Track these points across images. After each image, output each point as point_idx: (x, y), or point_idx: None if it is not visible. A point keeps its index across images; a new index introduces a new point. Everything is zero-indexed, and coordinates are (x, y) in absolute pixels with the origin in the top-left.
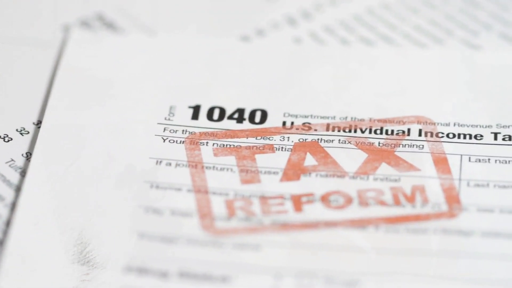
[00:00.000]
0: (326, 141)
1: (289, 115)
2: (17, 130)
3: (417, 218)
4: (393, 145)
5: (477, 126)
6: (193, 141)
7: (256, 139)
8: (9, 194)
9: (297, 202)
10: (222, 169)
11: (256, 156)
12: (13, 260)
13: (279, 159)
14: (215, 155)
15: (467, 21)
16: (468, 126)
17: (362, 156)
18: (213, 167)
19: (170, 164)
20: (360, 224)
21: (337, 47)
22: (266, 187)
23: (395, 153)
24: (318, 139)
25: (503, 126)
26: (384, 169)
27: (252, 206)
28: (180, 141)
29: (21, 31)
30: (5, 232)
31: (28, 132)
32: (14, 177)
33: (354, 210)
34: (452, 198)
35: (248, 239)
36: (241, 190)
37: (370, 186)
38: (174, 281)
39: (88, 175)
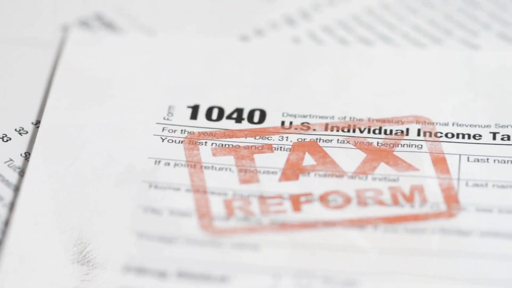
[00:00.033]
0: (325, 141)
1: (288, 115)
2: (16, 130)
3: (416, 218)
4: (391, 145)
5: (476, 126)
6: (192, 141)
7: (254, 139)
8: (8, 194)
9: (296, 202)
10: (220, 169)
11: (255, 156)
12: (12, 260)
13: (278, 159)
14: (214, 155)
15: (466, 21)
16: (467, 126)
17: (360, 156)
18: (212, 167)
19: (168, 164)
20: (359, 224)
21: (336, 47)
22: (264, 187)
23: (394, 153)
24: (316, 139)
25: (502, 126)
26: (383, 169)
27: (250, 206)
28: (179, 141)
29: (20, 31)
30: (4, 232)
31: (27, 132)
32: (13, 177)
33: (353, 210)
34: (451, 198)
35: (247, 239)
36: (239, 190)
37: (368, 186)
38: (173, 281)
39: (87, 174)
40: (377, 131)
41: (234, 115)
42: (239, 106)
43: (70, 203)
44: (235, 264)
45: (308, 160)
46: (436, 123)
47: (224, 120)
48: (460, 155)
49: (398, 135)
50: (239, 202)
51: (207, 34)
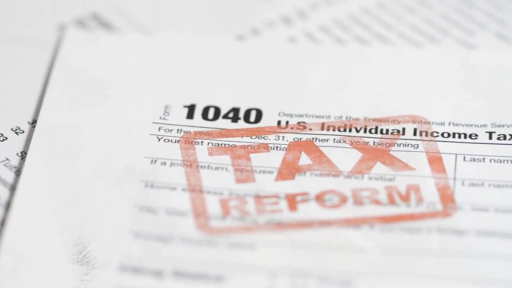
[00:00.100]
0: (321, 140)
1: (284, 114)
2: (12, 129)
3: (412, 217)
4: (388, 145)
5: (472, 125)
6: (188, 140)
7: (251, 138)
8: (4, 194)
9: (292, 201)
10: (217, 168)
11: (251, 155)
12: (9, 260)
13: (274, 159)
14: (210, 154)
15: (463, 20)
16: (463, 126)
17: (357, 155)
18: (208, 166)
19: (165, 164)
20: (355, 223)
21: (332, 47)
22: (261, 186)
23: (390, 152)
24: (313, 138)
25: (498, 126)
26: (379, 168)
27: (246, 205)
28: (175, 140)
29: (16, 30)
30: (0, 232)
31: (23, 132)
32: (9, 177)
33: (349, 209)
34: (447, 197)
35: (243, 238)
36: (236, 190)
37: (365, 186)
38: (169, 280)
39: (83, 174)
40: (373, 131)
41: (230, 115)
42: (235, 105)
43: (66, 203)
44: (231, 263)
45: (304, 159)
46: (432, 123)
47: (220, 119)
48: (456, 154)
49: (394, 135)
50: (235, 201)
51: (204, 34)
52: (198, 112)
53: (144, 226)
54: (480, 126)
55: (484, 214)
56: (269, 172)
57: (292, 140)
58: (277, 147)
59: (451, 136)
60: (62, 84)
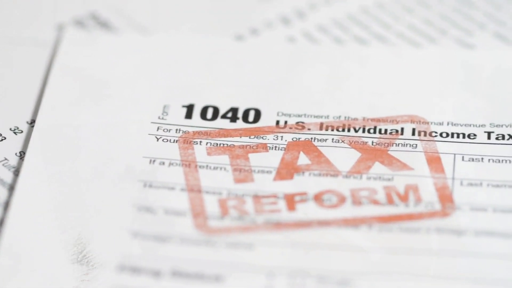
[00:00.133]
0: (320, 140)
1: (283, 114)
2: (10, 129)
3: (410, 217)
4: (386, 144)
5: (470, 125)
6: (187, 140)
7: (249, 138)
8: (2, 194)
9: (290, 201)
10: (215, 168)
11: (250, 155)
12: (8, 260)
13: (273, 158)
14: (209, 154)
15: (461, 20)
16: (461, 126)
17: (355, 155)
18: (207, 166)
19: (163, 163)
20: (353, 223)
21: (331, 47)
22: (259, 186)
23: (389, 152)
24: (311, 138)
25: (497, 125)
26: (378, 168)
27: (245, 205)
28: (174, 140)
29: (15, 30)
30: None
31: (22, 131)
32: (8, 176)
33: (347, 209)
34: (445, 197)
35: (241, 238)
36: (234, 189)
37: (363, 185)
38: (167, 280)
39: (81, 174)
40: (372, 131)
41: (229, 115)
42: (234, 105)
43: (65, 203)
44: (229, 263)
45: (303, 159)
46: (431, 123)
47: (219, 119)
48: (454, 154)
49: (393, 135)
50: (233, 201)
51: (203, 34)
52: (196, 112)
53: (142, 225)
54: (479, 126)
55: (482, 214)
56: (267, 172)
57: (291, 140)
58: (275, 147)
59: (450, 136)
60: (61, 84)
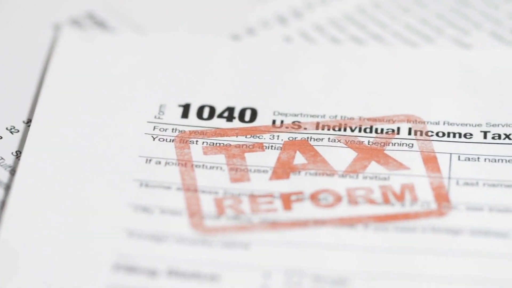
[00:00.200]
0: (316, 139)
1: (279, 113)
2: (7, 128)
3: (406, 216)
4: (382, 144)
5: (466, 125)
6: (183, 140)
7: (245, 137)
8: None
9: (287, 200)
10: (211, 167)
11: (246, 154)
12: (5, 258)
13: (269, 158)
14: (205, 153)
15: (458, 19)
16: (457, 125)
17: (351, 154)
18: (203, 165)
19: (159, 163)
20: (349, 222)
21: (327, 46)
22: (255, 185)
23: (385, 151)
24: (307, 138)
25: (493, 125)
26: (374, 167)
27: (241, 205)
28: (170, 139)
29: (11, 30)
30: None
31: (18, 131)
32: (4, 176)
33: (343, 208)
34: (441, 197)
35: (237, 238)
36: (230, 189)
37: (359, 185)
38: (163, 279)
39: (77, 173)
40: (368, 130)
41: (225, 114)
42: (230, 105)
43: (61, 202)
44: (225, 262)
45: (299, 159)
46: (427, 122)
47: (215, 119)
48: (451, 154)
49: (389, 134)
50: (229, 200)
51: (199, 33)
52: (193, 112)
53: (138, 225)
54: (475, 125)
55: (478, 214)
56: (263, 171)
57: (287, 140)
58: (272, 146)
59: (446, 135)
60: (57, 84)
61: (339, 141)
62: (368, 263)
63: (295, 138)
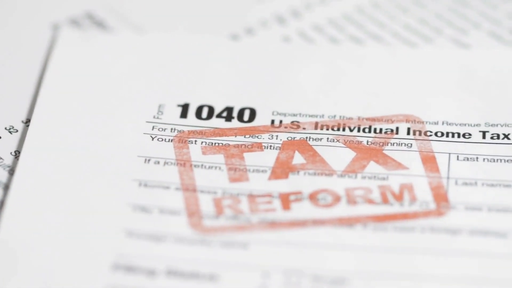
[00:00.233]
0: (315, 139)
1: (278, 113)
2: (5, 128)
3: (405, 216)
4: (381, 144)
5: (465, 124)
6: (182, 140)
7: (244, 137)
8: None
9: (285, 200)
10: (210, 167)
11: (245, 154)
12: (4, 258)
13: (268, 158)
14: (204, 153)
15: (456, 19)
16: (456, 125)
17: (350, 154)
18: (202, 165)
19: (158, 163)
20: (348, 222)
21: (326, 46)
22: (254, 185)
23: (384, 151)
24: (306, 138)
25: (492, 125)
26: (372, 167)
27: (240, 205)
28: (169, 139)
29: (10, 29)
30: None
31: (17, 131)
32: (3, 175)
33: (342, 208)
34: (440, 197)
35: (236, 237)
36: (229, 189)
37: (358, 185)
38: (162, 279)
39: (76, 173)
40: (367, 130)
41: (224, 114)
42: (229, 104)
43: (60, 202)
44: (224, 262)
45: (298, 158)
46: (426, 122)
47: (214, 118)
48: (449, 153)
49: (388, 134)
50: (228, 200)
51: (198, 33)
52: (191, 111)
53: (137, 225)
54: (474, 125)
55: (477, 213)
56: (262, 171)
57: (286, 139)
58: (270, 146)
59: (445, 135)
60: (56, 83)
61: (338, 141)
62: (367, 263)
63: (294, 138)
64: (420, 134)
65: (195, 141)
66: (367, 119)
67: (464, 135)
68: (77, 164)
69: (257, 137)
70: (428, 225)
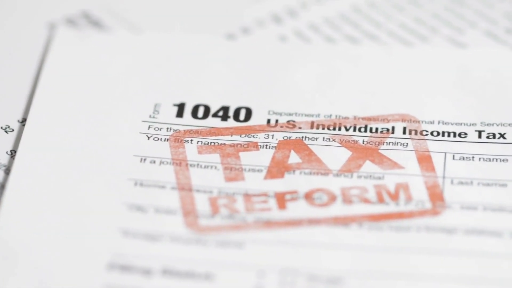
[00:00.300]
0: (310, 139)
1: (274, 113)
2: (2, 127)
3: (401, 215)
4: (377, 143)
5: (461, 124)
6: (178, 139)
7: (240, 136)
8: None
9: (281, 199)
10: (206, 166)
11: (240, 153)
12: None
13: (263, 157)
14: (199, 152)
15: (453, 18)
16: (452, 124)
17: (346, 153)
18: (197, 164)
19: (154, 162)
20: (344, 221)
21: (322, 45)
22: (250, 184)
23: (379, 151)
24: (302, 137)
25: (487, 124)
26: (368, 167)
27: (236, 204)
28: (165, 138)
29: (6, 29)
30: None
31: (13, 130)
32: None
33: (338, 207)
34: (436, 196)
35: (232, 237)
36: (225, 188)
37: (354, 184)
38: (158, 278)
39: (72, 172)
40: (362, 129)
41: (220, 113)
42: (225, 104)
43: (56, 201)
44: (220, 261)
45: (294, 158)
46: (422, 121)
47: (210, 118)
48: (445, 153)
49: (384, 133)
50: (224, 200)
51: (194, 32)
52: (187, 111)
53: (133, 224)
54: (470, 124)
55: (473, 213)
56: (258, 170)
57: (282, 139)
58: (266, 145)
59: (441, 134)
60: (52, 83)
61: (333, 140)
62: (363, 262)
63: (290, 137)
64: (416, 134)
65: (191, 140)
66: (363, 118)
67: (460, 135)
68: (73, 163)
69: (253, 136)
70: (424, 224)
